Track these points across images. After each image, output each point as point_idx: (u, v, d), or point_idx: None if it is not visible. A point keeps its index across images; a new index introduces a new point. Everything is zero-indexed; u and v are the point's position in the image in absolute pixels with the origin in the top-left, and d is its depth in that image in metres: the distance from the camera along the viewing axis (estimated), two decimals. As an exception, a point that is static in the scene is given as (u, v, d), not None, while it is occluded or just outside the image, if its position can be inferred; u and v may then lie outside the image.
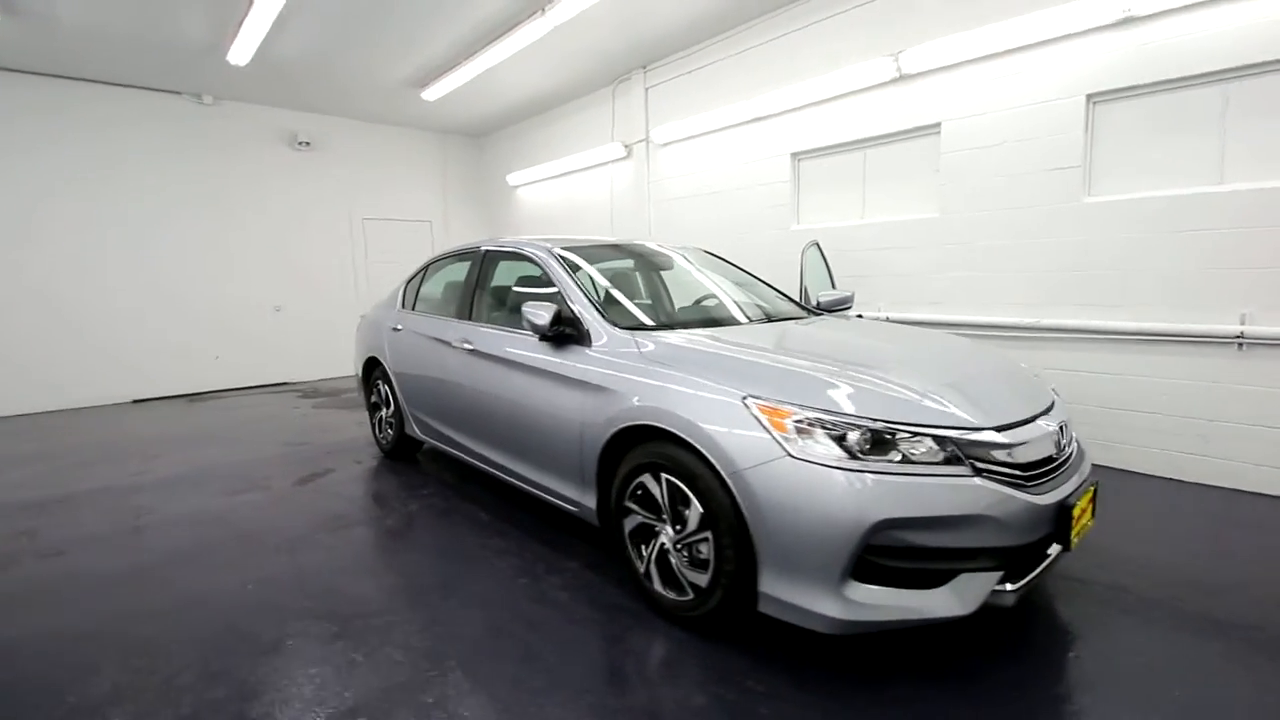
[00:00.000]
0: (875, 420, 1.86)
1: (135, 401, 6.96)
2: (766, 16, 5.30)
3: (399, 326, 4.13)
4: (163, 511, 3.51)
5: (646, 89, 6.56)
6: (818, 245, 4.86)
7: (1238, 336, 3.32)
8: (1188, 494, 3.44)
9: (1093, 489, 2.16)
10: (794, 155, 5.35)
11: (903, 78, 4.49)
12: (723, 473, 1.96)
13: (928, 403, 1.97)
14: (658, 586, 2.30)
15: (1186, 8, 3.31)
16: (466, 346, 3.33)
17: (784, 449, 1.86)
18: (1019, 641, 2.13)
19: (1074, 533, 2.00)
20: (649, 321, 2.85)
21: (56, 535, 3.21)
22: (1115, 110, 3.68)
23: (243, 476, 4.12)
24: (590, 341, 2.65)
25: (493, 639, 2.20)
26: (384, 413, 4.41)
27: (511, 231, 9.06)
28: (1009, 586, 1.90)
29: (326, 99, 7.46)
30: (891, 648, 2.08)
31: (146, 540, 3.13)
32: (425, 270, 4.28)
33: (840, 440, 1.84)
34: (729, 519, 1.98)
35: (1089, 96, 3.71)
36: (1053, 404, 2.27)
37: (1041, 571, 1.99)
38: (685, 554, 2.17)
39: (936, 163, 4.44)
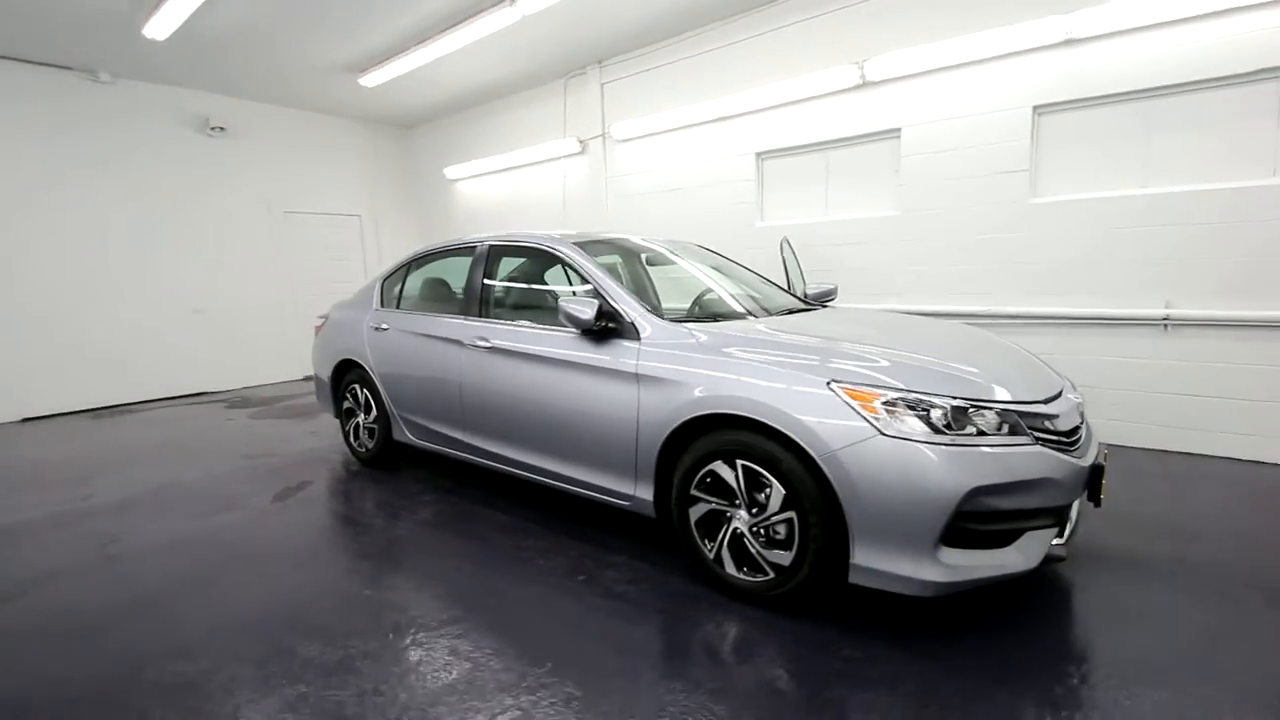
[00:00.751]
0: (955, 398, 2.03)
1: (25, 420, 6.06)
2: (732, 19, 5.46)
3: (383, 326, 3.90)
4: (130, 539, 3.12)
5: (603, 84, 6.55)
6: (788, 242, 5.10)
7: (1164, 319, 3.86)
8: (1130, 457, 3.95)
9: (1106, 452, 2.46)
10: (758, 155, 5.56)
11: (866, 84, 4.80)
12: (814, 455, 2.05)
13: (982, 380, 2.17)
14: (730, 570, 2.36)
15: (1118, 33, 3.80)
16: (483, 344, 3.22)
17: (875, 428, 1.99)
18: (1053, 593, 2.40)
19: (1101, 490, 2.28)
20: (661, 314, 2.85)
21: (10, 572, 2.77)
22: (1058, 120, 4.15)
23: (207, 496, 3.73)
24: (636, 334, 2.66)
25: (579, 637, 2.17)
26: (363, 418, 4.15)
27: (454, 227, 8.71)
28: (1057, 541, 2.14)
29: (247, 81, 6.82)
30: (941, 609, 2.27)
31: (126, 570, 2.78)
32: (408, 266, 4.06)
33: (925, 417, 1.99)
34: (814, 498, 2.08)
35: (1035, 108, 4.16)
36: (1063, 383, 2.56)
37: (1075, 526, 2.25)
38: (763, 536, 2.25)
39: (897, 165, 4.80)
